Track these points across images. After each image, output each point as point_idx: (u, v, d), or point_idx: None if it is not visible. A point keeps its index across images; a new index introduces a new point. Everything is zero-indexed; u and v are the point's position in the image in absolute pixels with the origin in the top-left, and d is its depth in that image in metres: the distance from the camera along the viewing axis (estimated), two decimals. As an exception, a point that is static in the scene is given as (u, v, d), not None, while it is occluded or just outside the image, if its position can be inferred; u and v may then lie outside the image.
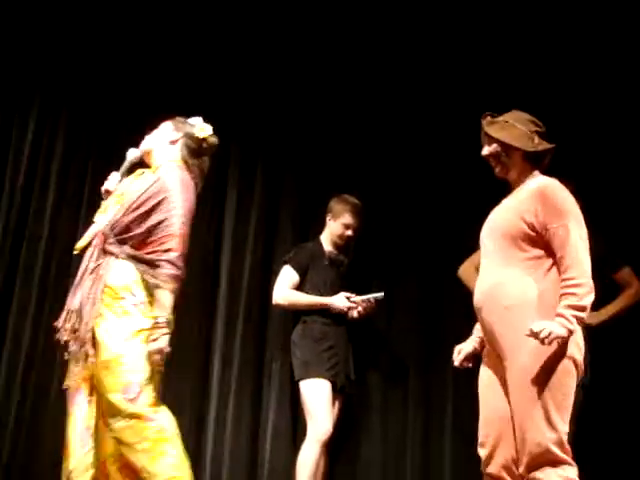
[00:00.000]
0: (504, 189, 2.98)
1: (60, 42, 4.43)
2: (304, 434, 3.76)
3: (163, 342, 2.56)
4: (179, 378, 4.15)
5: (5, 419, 3.96)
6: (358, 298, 3.94)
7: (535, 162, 2.74)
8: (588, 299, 2.47)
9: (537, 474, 2.42)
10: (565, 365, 2.46)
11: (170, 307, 2.57)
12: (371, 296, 3.95)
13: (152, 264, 2.59)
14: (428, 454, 4.17)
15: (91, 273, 2.63)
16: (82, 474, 2.55)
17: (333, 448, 3.94)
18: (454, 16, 4.50)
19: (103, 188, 2.91)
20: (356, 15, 4.57)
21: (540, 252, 2.61)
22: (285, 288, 3.97)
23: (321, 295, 3.96)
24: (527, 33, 4.45)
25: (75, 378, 2.60)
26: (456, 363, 2.84)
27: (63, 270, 4.09)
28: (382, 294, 3.97)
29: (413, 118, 4.57)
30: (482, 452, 2.65)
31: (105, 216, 2.76)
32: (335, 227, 4.08)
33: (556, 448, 2.41)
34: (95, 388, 2.58)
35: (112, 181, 2.90)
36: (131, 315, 2.57)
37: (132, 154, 2.95)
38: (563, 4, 4.34)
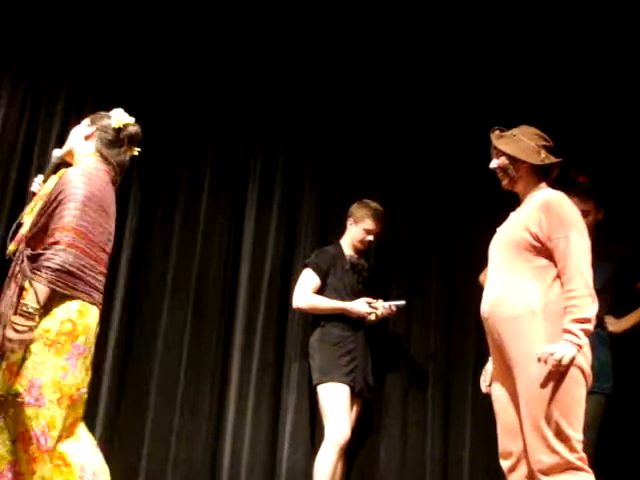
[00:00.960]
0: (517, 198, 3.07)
1: (90, 39, 4.49)
2: (322, 435, 3.79)
3: (25, 333, 2.50)
4: (199, 380, 4.25)
5: None
6: (380, 304, 3.95)
7: (542, 175, 2.80)
8: (592, 309, 2.52)
9: None
10: (573, 374, 2.49)
11: (40, 298, 2.49)
12: (393, 303, 3.98)
13: (36, 259, 2.56)
14: (447, 460, 4.18)
15: (15, 277, 2.64)
16: None
17: (351, 451, 3.96)
18: (471, 31, 4.59)
19: (30, 190, 2.91)
20: (379, 29, 4.64)
21: (545, 262, 2.65)
22: (306, 291, 3.99)
23: (341, 299, 3.98)
24: (535, 38, 4.54)
25: None
26: (484, 389, 2.92)
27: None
28: (404, 302, 4.00)
29: (432, 126, 4.61)
30: (504, 463, 2.69)
31: (29, 218, 2.77)
32: (356, 232, 4.10)
33: (569, 455, 2.44)
34: None
35: (37, 182, 2.90)
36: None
37: (55, 154, 2.94)
38: (569, 10, 4.39)
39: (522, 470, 2.64)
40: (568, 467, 2.47)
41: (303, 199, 4.57)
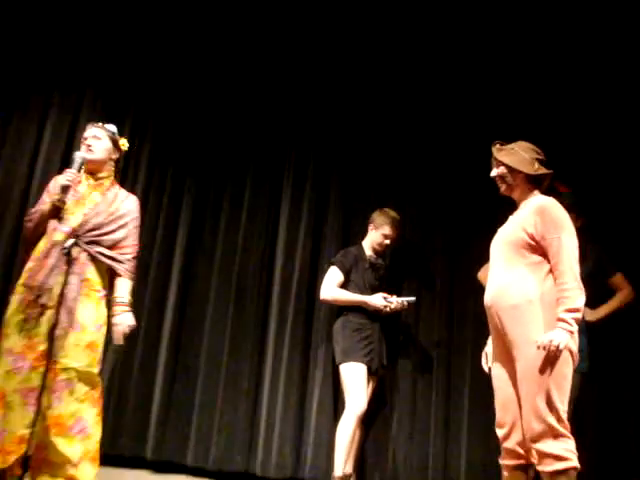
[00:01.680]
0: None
1: (148, 71, 4.98)
2: (343, 408, 4.08)
3: None
4: (239, 359, 4.61)
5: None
6: (394, 299, 4.22)
7: (535, 184, 3.02)
8: (580, 300, 2.76)
9: (540, 445, 2.69)
10: (564, 356, 2.71)
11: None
12: (405, 299, 4.24)
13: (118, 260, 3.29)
14: (448, 426, 4.47)
15: (72, 266, 3.10)
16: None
17: (368, 420, 4.29)
18: (485, 51, 4.87)
19: (62, 183, 3.15)
20: (400, 52, 4.96)
21: (539, 258, 2.85)
22: (332, 286, 4.25)
23: (361, 293, 4.22)
24: (536, 46, 4.76)
25: None
26: (485, 368, 3.11)
27: (144, 268, 4.62)
28: (414, 298, 4.28)
29: (439, 145, 4.86)
30: (500, 431, 2.91)
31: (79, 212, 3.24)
32: (376, 236, 4.37)
33: (555, 423, 2.67)
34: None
35: (69, 174, 3.15)
36: None
37: (81, 155, 3.24)
38: (564, 21, 4.64)
39: (515, 438, 2.84)
40: (554, 434, 2.67)
41: (329, 206, 4.86)
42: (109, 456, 4.27)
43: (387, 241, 4.39)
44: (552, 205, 2.92)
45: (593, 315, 4.06)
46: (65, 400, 3.03)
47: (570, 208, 3.76)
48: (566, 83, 4.74)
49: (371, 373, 4.18)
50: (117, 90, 4.93)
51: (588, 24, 4.65)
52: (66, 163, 4.52)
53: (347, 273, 4.30)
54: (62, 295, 3.06)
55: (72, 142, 4.68)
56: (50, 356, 3.00)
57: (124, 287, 3.28)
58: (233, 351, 4.62)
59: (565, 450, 2.68)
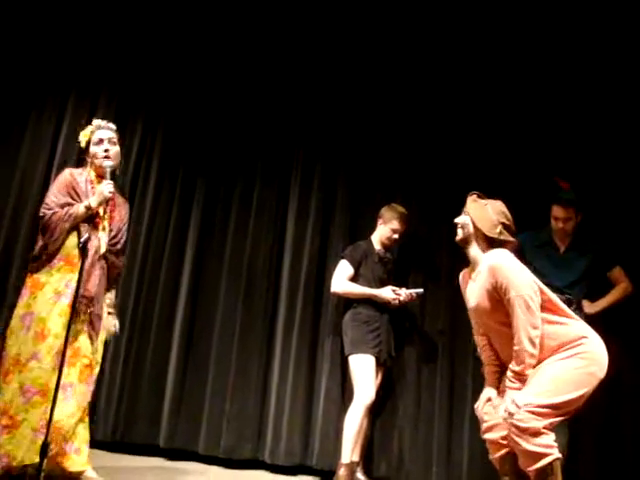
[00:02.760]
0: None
1: (163, 67, 5.09)
2: (351, 399, 4.17)
3: None
4: (248, 350, 4.70)
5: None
6: (402, 291, 4.31)
7: (491, 245, 3.03)
8: (528, 361, 2.79)
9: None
10: (583, 379, 2.84)
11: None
12: (413, 291, 4.34)
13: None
14: (452, 413, 4.55)
15: (103, 274, 3.40)
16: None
17: (376, 409, 4.39)
18: (494, 60, 4.94)
19: (106, 194, 3.33)
20: (411, 54, 5.02)
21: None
22: (342, 279, 4.33)
23: (370, 286, 4.31)
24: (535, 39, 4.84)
25: None
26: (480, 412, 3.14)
27: (157, 263, 4.84)
28: (422, 290, 4.37)
29: (444, 143, 4.92)
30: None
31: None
32: (384, 231, 4.45)
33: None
34: None
35: (110, 186, 3.36)
36: None
37: (111, 164, 3.43)
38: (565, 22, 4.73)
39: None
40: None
41: (336, 204, 4.94)
42: (123, 444, 4.53)
43: (395, 235, 4.47)
44: (499, 263, 2.91)
45: (592, 308, 4.18)
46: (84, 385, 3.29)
47: (568, 205, 4.06)
48: (568, 79, 4.80)
49: (379, 364, 4.27)
50: (130, 92, 5.06)
51: (588, 24, 4.73)
52: (81, 162, 4.67)
53: (357, 267, 4.38)
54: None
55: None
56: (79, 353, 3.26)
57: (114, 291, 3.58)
58: (243, 342, 4.72)
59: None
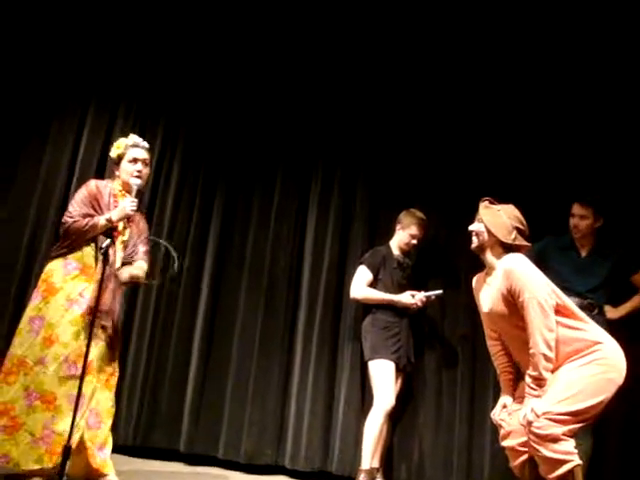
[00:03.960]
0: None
1: (180, 83, 5.13)
2: (370, 405, 4.17)
3: None
4: (268, 356, 4.71)
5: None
6: (421, 295, 4.31)
7: (507, 250, 3.02)
8: (544, 366, 2.78)
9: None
10: (602, 385, 2.82)
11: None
12: (432, 293, 4.35)
13: None
14: (473, 422, 4.53)
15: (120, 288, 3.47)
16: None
17: (395, 415, 4.36)
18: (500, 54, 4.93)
19: (128, 211, 3.38)
20: (428, 61, 5.02)
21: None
22: (361, 285, 4.33)
23: (389, 292, 4.31)
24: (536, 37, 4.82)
25: None
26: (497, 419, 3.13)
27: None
28: (441, 291, 4.38)
29: (461, 150, 4.91)
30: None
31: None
32: (403, 236, 4.45)
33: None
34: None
35: (133, 204, 3.39)
36: None
37: (138, 182, 3.47)
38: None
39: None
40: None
41: (355, 209, 4.95)
42: (144, 449, 4.55)
43: (414, 241, 4.48)
44: (513, 267, 2.92)
45: (615, 313, 4.14)
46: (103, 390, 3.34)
47: (587, 203, 4.06)
48: (592, 88, 4.78)
49: (399, 370, 4.27)
50: (150, 100, 5.11)
51: (596, 23, 4.71)
52: (102, 168, 4.80)
53: (376, 272, 4.39)
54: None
55: (108, 145, 4.72)
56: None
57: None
58: (263, 348, 4.75)
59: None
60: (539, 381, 2.78)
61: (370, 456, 4.07)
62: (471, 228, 3.11)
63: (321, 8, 5.12)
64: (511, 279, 2.89)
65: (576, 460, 2.73)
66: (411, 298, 4.31)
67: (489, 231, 3.04)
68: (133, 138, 3.62)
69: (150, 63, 5.15)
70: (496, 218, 3.05)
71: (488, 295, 3.06)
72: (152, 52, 5.15)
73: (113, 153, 3.59)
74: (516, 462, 2.97)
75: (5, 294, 4.62)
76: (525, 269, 2.91)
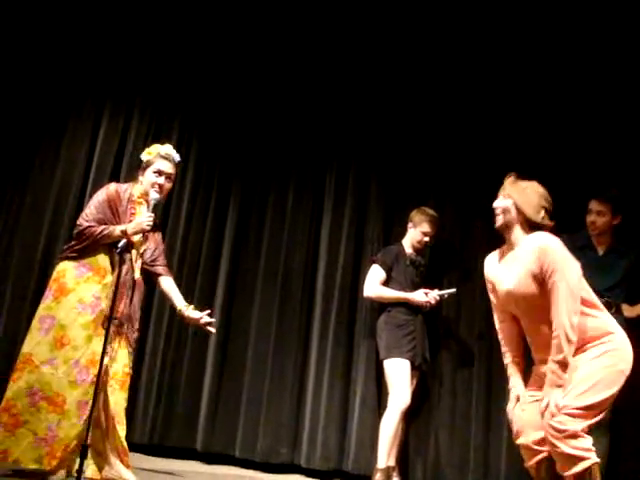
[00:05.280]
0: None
1: (195, 84, 5.15)
2: (386, 404, 4.17)
3: None
4: (283, 355, 4.74)
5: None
6: (435, 293, 4.31)
7: (533, 229, 2.94)
8: (567, 350, 2.72)
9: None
10: (613, 378, 2.79)
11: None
12: (445, 292, 4.36)
13: None
14: (489, 421, 4.54)
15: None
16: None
17: (411, 413, 4.36)
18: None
19: (147, 225, 3.36)
20: (439, 62, 5.04)
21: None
22: (374, 284, 4.35)
23: (402, 290, 4.32)
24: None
25: None
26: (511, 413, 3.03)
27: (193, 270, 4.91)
28: (454, 290, 4.38)
29: (475, 149, 4.92)
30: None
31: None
32: (415, 234, 4.45)
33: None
34: None
35: (150, 219, 3.38)
36: None
37: (157, 197, 3.44)
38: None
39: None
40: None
41: (369, 208, 4.98)
42: (162, 447, 4.58)
43: (426, 238, 4.48)
44: (549, 246, 2.86)
45: (632, 311, 4.11)
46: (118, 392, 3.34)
47: (605, 200, 4.04)
48: (609, 79, 4.78)
49: (414, 368, 4.27)
50: (165, 100, 5.13)
51: (600, 22, 4.71)
52: (118, 165, 4.88)
53: (389, 270, 4.40)
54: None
55: (124, 145, 4.98)
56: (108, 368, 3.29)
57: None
58: (279, 348, 4.77)
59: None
60: (564, 366, 2.73)
61: (386, 455, 4.07)
62: (497, 204, 3.00)
63: (334, 8, 5.13)
64: (545, 258, 2.81)
65: (594, 458, 2.69)
66: (424, 296, 4.31)
67: (518, 208, 2.95)
68: (167, 149, 3.57)
69: (165, 64, 5.17)
70: (525, 195, 2.97)
71: (510, 272, 2.95)
72: (167, 53, 5.17)
73: (144, 157, 3.56)
74: (531, 462, 2.91)
75: (22, 298, 4.66)
76: (560, 250, 2.85)
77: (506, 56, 4.97)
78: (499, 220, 2.98)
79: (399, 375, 4.17)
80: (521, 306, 2.94)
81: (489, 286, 3.14)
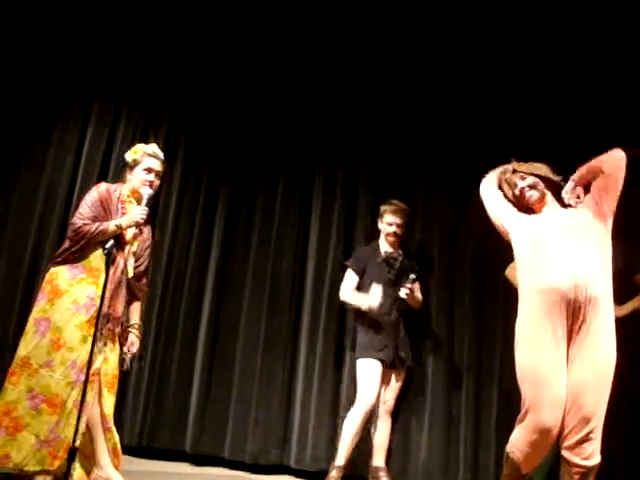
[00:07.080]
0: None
1: (185, 83, 5.14)
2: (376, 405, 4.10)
3: None
4: (273, 356, 4.72)
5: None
6: (402, 290, 4.20)
7: (556, 189, 3.20)
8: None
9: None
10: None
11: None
12: (407, 283, 4.22)
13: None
14: (478, 419, 4.58)
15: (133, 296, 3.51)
16: None
17: (401, 410, 4.43)
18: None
19: (139, 218, 3.35)
20: (434, 61, 5.03)
21: (607, 244, 3.03)
22: (348, 289, 4.35)
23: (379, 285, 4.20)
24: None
25: None
26: None
27: (181, 269, 4.90)
28: (413, 276, 4.23)
29: (466, 147, 4.91)
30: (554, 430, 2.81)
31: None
32: (383, 227, 4.42)
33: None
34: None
35: (144, 212, 3.37)
36: None
37: (149, 192, 3.44)
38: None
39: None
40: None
41: (357, 207, 4.99)
42: (150, 449, 4.55)
43: (392, 228, 4.41)
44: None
45: (620, 311, 3.93)
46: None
47: None
48: (612, 66, 4.76)
49: (393, 367, 4.24)
50: (153, 98, 5.11)
51: (589, 15, 4.69)
52: (106, 165, 4.85)
53: (362, 272, 4.39)
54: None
55: (112, 146, 4.96)
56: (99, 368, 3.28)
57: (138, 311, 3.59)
58: (268, 348, 4.76)
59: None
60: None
61: (345, 453, 4.09)
62: (526, 184, 3.20)
63: (322, 8, 5.11)
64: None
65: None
66: (376, 300, 4.20)
67: (543, 178, 3.20)
68: (152, 147, 3.60)
69: (153, 64, 5.15)
70: (538, 169, 3.22)
71: (559, 215, 3.13)
72: (155, 53, 5.15)
73: (129, 157, 3.56)
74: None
75: (11, 299, 4.61)
76: None
77: (493, 47, 4.96)
78: (535, 194, 3.18)
79: (367, 375, 4.17)
80: (567, 240, 3.01)
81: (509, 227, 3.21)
